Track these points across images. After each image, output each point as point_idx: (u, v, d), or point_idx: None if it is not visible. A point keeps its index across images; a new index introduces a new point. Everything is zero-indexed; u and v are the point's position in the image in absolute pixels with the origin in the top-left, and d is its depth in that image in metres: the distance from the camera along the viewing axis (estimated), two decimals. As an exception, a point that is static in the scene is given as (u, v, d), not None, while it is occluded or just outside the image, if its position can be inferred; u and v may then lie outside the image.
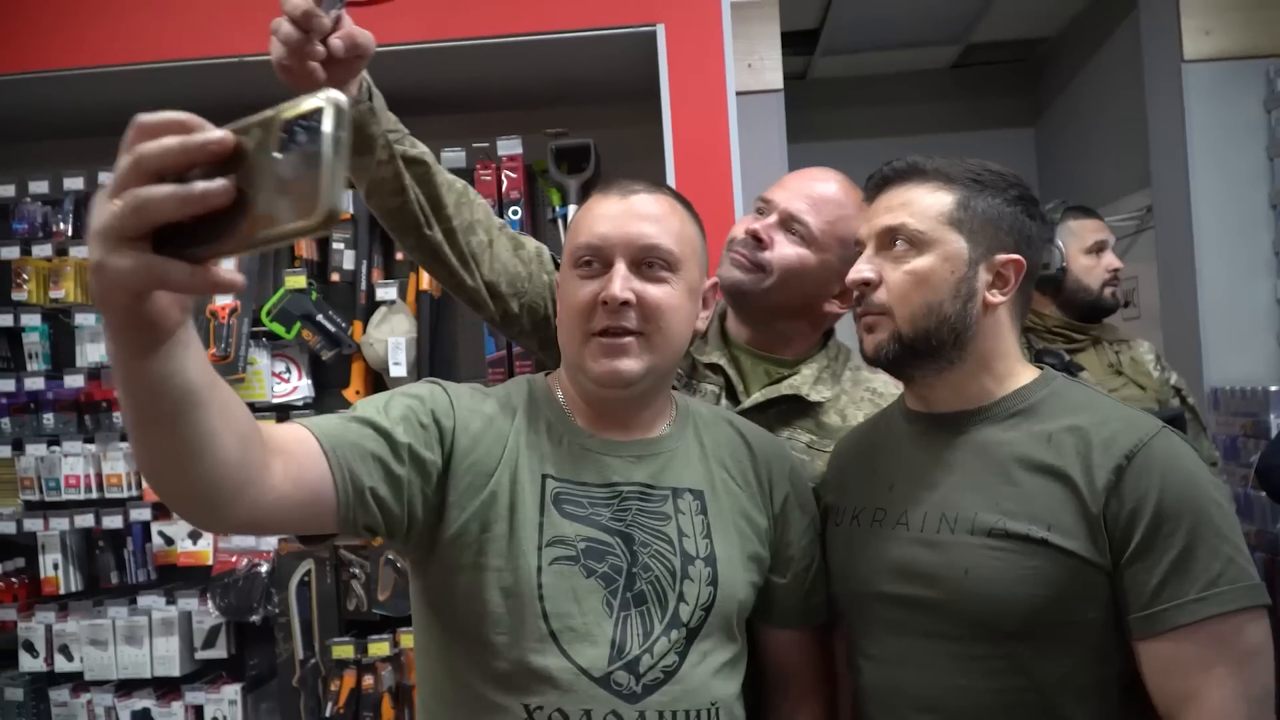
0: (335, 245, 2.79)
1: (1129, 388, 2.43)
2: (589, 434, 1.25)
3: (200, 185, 0.60)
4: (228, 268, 0.64)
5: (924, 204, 1.22)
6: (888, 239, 1.24)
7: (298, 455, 1.00)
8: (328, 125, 0.58)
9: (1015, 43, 4.95)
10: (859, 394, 1.54)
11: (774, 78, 3.21)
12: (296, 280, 2.73)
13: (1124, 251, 3.87)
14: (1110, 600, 1.14)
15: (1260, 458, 2.58)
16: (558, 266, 1.45)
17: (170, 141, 0.61)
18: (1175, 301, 3.43)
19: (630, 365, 1.19)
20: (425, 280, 2.78)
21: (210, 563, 2.77)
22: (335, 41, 1.14)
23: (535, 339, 1.50)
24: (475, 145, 2.78)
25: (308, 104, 0.59)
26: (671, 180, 2.50)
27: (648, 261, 1.20)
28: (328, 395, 2.86)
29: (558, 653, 1.13)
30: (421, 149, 1.36)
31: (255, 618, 2.72)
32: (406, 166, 1.33)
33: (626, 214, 1.22)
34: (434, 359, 2.82)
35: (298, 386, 2.82)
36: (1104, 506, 1.12)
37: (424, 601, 1.22)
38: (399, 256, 2.83)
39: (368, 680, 2.67)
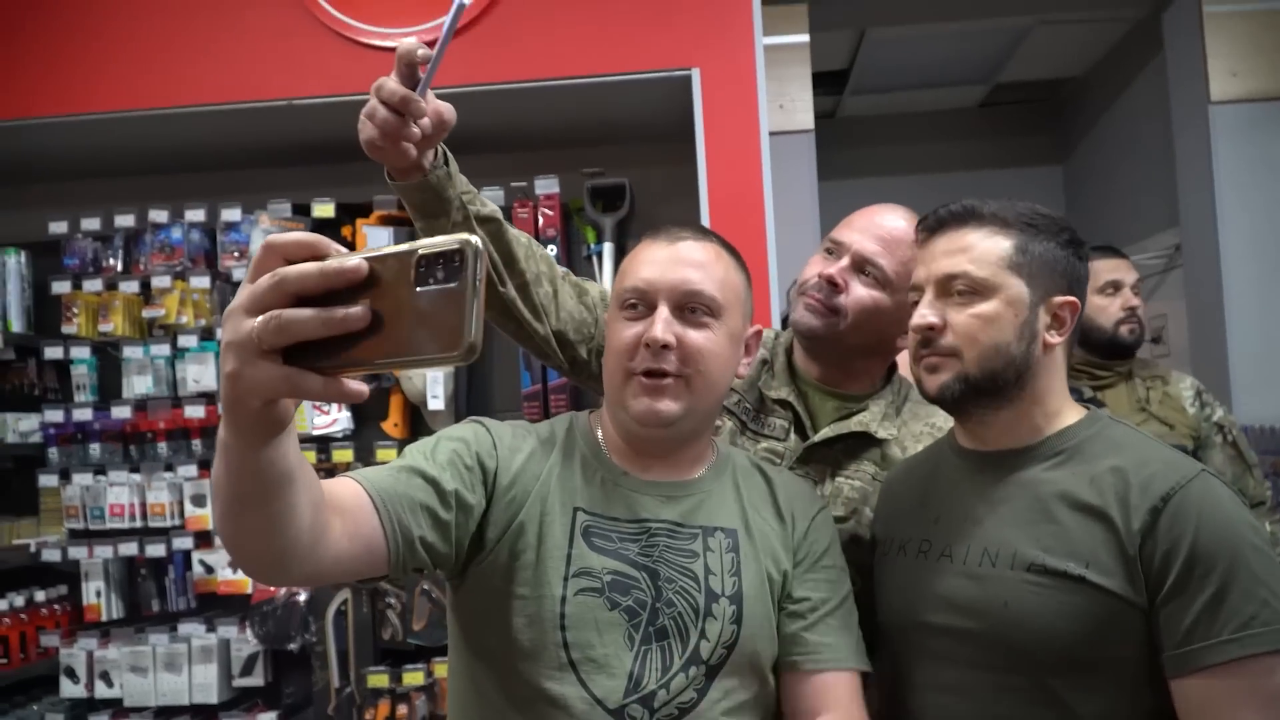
0: None
1: (1151, 424, 2.45)
2: (623, 471, 1.28)
3: (341, 311, 0.66)
4: (355, 384, 0.71)
5: (983, 249, 1.26)
6: (948, 284, 1.26)
7: (353, 511, 1.06)
8: (470, 269, 0.64)
9: (1042, 82, 5.02)
10: (918, 428, 1.56)
11: (805, 118, 3.29)
12: (338, 315, 2.80)
13: (1152, 290, 3.90)
14: (1146, 638, 1.16)
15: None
16: None
17: (311, 269, 0.67)
18: (1204, 339, 3.47)
19: (669, 406, 1.23)
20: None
21: (250, 591, 2.85)
22: (426, 122, 1.18)
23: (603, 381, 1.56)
24: (513, 184, 2.87)
25: (445, 245, 0.65)
26: (705, 218, 2.59)
27: (690, 306, 1.24)
28: (366, 427, 2.94)
29: (575, 682, 1.16)
30: (492, 207, 1.38)
31: (293, 646, 2.78)
32: (479, 225, 1.35)
33: (672, 259, 1.25)
34: (471, 393, 2.91)
35: (337, 419, 2.90)
36: (1140, 547, 1.15)
37: (456, 624, 1.26)
38: None
39: (402, 709, 2.73)
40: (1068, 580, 1.17)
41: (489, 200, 1.39)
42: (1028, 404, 1.27)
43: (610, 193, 2.93)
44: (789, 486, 1.37)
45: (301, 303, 0.67)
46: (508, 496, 1.22)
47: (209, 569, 2.90)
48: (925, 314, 1.27)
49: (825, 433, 1.53)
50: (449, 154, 1.31)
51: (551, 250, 2.86)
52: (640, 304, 1.25)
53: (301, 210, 2.92)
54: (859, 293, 1.52)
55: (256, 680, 2.87)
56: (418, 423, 2.92)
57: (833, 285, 1.52)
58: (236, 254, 2.97)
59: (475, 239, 0.64)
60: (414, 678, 2.72)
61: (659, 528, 1.24)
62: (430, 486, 1.15)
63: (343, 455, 2.82)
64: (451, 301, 0.64)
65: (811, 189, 3.28)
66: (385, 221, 2.89)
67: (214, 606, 2.97)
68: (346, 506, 1.05)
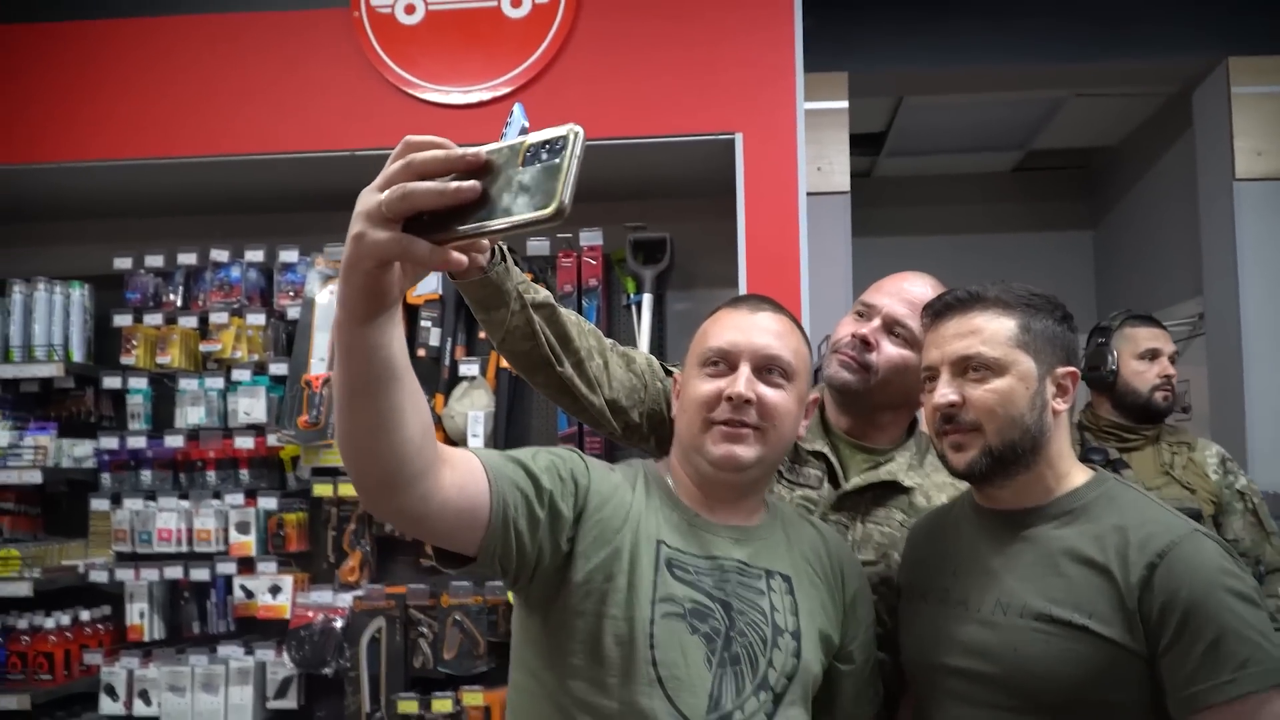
0: (423, 323, 3.04)
1: (1172, 488, 2.58)
2: (695, 513, 1.41)
3: (456, 183, 0.78)
4: (456, 254, 0.81)
5: (992, 330, 1.39)
6: (963, 365, 1.40)
7: (463, 469, 1.15)
8: (571, 146, 0.76)
9: (1076, 150, 5.19)
10: (941, 479, 1.68)
11: (842, 180, 3.47)
12: (386, 354, 2.97)
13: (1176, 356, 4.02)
14: (1145, 682, 1.29)
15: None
16: (667, 372, 1.66)
17: (437, 154, 0.80)
18: (1224, 406, 3.59)
19: (746, 452, 1.37)
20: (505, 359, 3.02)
21: (288, 616, 2.99)
22: None
23: (653, 440, 1.64)
24: (560, 235, 3.05)
25: (553, 133, 0.77)
26: (743, 273, 2.75)
27: (768, 368, 1.39)
28: None
29: (663, 697, 1.26)
30: (545, 294, 1.49)
31: (328, 670, 2.92)
32: (535, 311, 1.45)
33: (754, 326, 1.41)
34: (509, 432, 3.05)
35: None
36: (1139, 600, 1.28)
37: (537, 642, 1.34)
38: (481, 335, 3.07)
39: None
40: (1072, 629, 1.30)
41: (542, 288, 1.50)
42: (1041, 468, 1.41)
43: (651, 246, 3.09)
44: (840, 548, 1.52)
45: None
46: (597, 517, 1.32)
47: (249, 594, 3.05)
48: (946, 393, 1.40)
49: (856, 481, 1.67)
50: (506, 251, 1.43)
51: (592, 299, 3.04)
52: (723, 362, 1.40)
53: None
54: (889, 351, 1.67)
55: (290, 703, 2.99)
56: None
57: (866, 344, 1.67)
58: (291, 293, 3.15)
59: (579, 127, 0.77)
60: (443, 705, 2.85)
61: (730, 565, 1.37)
62: (530, 481, 1.25)
63: None
64: (550, 173, 0.75)
65: (845, 248, 3.44)
66: None
67: (253, 631, 3.11)
68: (456, 463, 1.13)
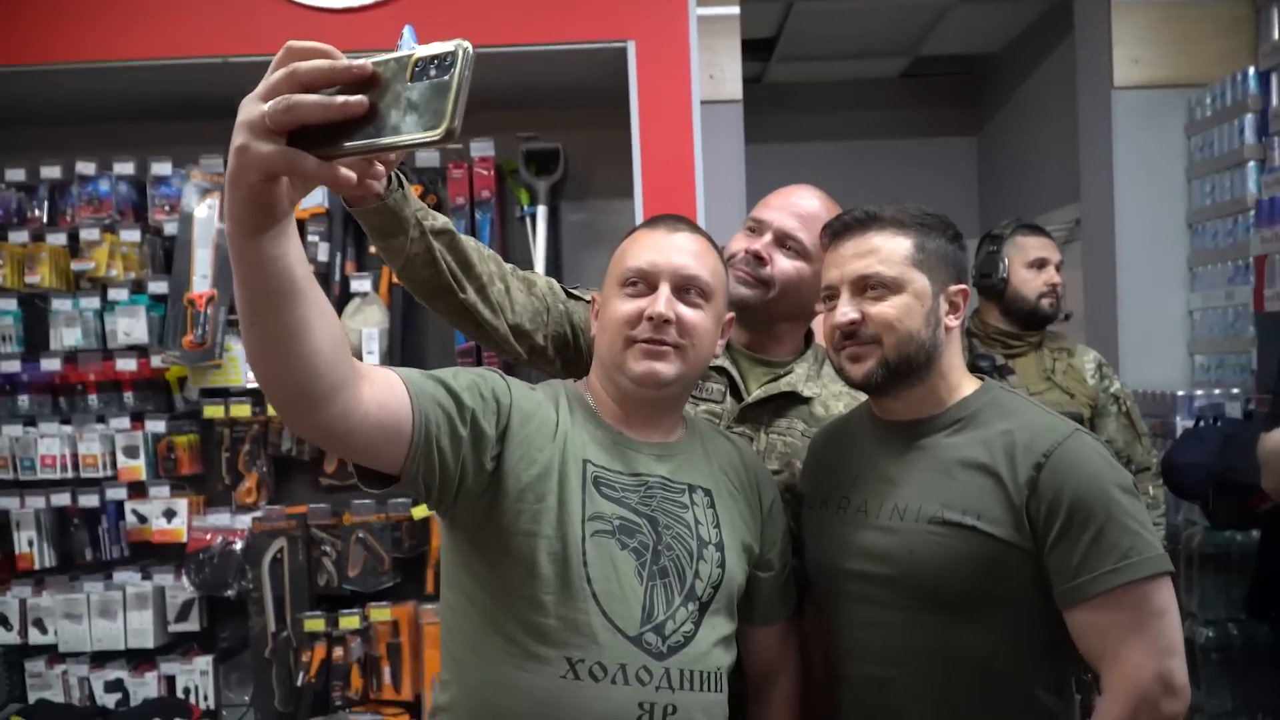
0: (310, 239, 2.95)
1: (1054, 393, 2.72)
2: (616, 430, 1.43)
3: (341, 97, 0.76)
4: (345, 170, 0.79)
5: (889, 250, 1.44)
6: (862, 284, 1.44)
7: (382, 385, 1.14)
8: (459, 65, 0.74)
9: (961, 57, 5.29)
10: (837, 388, 1.74)
11: (734, 88, 3.47)
12: (274, 270, 2.89)
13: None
14: (1035, 577, 1.36)
15: (1165, 456, 2.91)
16: (568, 294, 1.69)
17: (322, 64, 0.78)
18: (1098, 309, 3.76)
19: (666, 369, 1.39)
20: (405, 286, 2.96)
21: (184, 540, 2.96)
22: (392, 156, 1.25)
23: (559, 362, 1.68)
24: (449, 147, 2.96)
25: (441, 48, 0.75)
26: (638, 182, 2.74)
27: (687, 288, 1.41)
28: None
29: (599, 612, 1.30)
30: (444, 220, 1.49)
31: (230, 593, 2.90)
32: (434, 238, 1.45)
33: (672, 246, 1.43)
34: (405, 349, 3.02)
35: None
36: (1026, 499, 1.35)
37: (469, 563, 1.36)
38: (372, 250, 2.90)
39: (338, 652, 2.88)
40: (963, 529, 1.38)
41: (439, 214, 1.50)
42: (934, 380, 1.47)
43: (544, 156, 3.05)
44: (754, 460, 1.57)
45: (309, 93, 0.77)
46: (522, 434, 1.33)
47: (142, 519, 3.00)
48: (846, 311, 1.44)
49: (758, 394, 1.71)
50: (404, 178, 1.42)
51: (486, 211, 3.00)
52: (642, 282, 1.41)
53: None
54: (783, 264, 1.71)
55: (192, 626, 2.98)
56: None
57: (759, 259, 1.71)
58: (167, 208, 3.02)
59: (467, 43, 0.75)
60: (350, 622, 2.87)
61: (654, 481, 1.41)
62: (451, 399, 1.25)
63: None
64: (439, 92, 0.74)
65: (739, 157, 3.47)
66: None
67: (149, 555, 3.06)
68: (376, 378, 1.12)
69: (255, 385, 2.96)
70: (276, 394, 1.01)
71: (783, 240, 1.72)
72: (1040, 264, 2.80)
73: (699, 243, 1.46)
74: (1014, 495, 1.36)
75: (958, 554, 1.37)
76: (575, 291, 1.71)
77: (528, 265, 2.98)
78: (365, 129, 0.76)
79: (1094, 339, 3.73)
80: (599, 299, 1.50)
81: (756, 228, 1.75)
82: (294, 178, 0.82)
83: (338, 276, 2.98)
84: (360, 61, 0.77)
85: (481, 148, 3.01)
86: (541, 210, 3.03)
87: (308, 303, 0.93)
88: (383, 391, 1.13)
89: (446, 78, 0.74)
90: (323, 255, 2.98)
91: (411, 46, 1.23)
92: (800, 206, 1.73)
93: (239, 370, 2.99)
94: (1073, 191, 4.01)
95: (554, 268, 3.10)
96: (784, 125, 5.24)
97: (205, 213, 2.98)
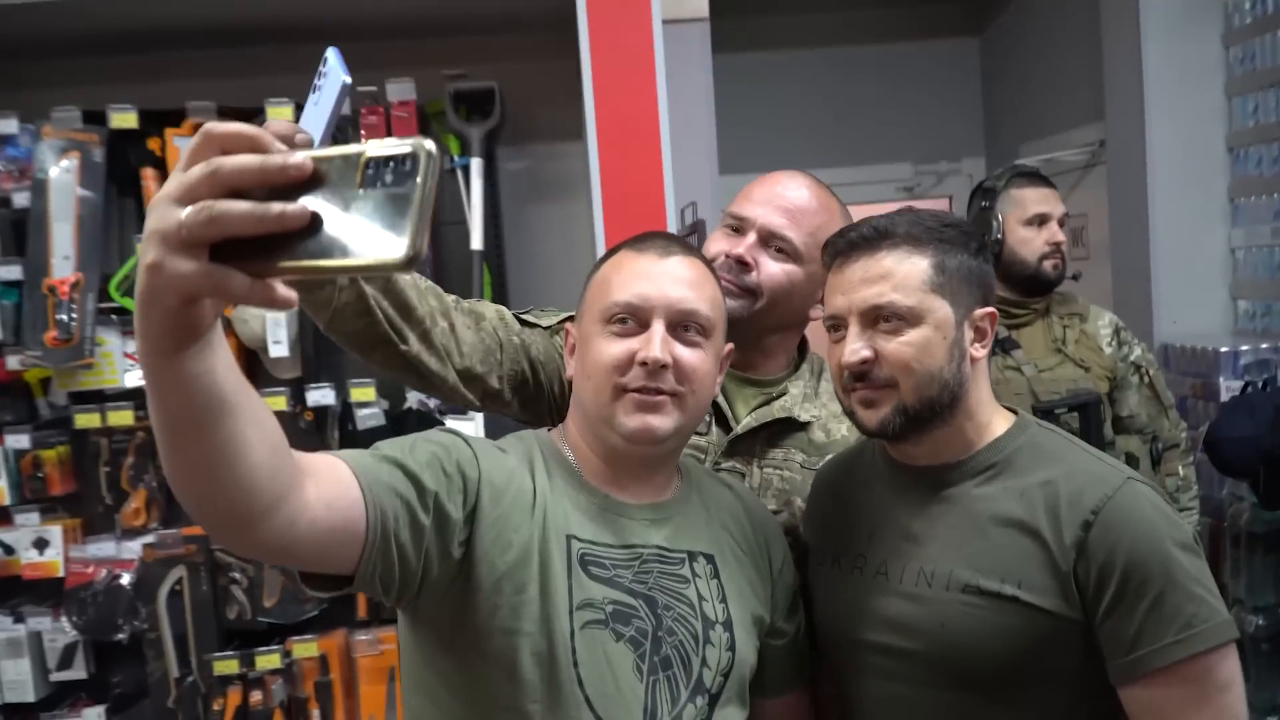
0: None
1: (1066, 366, 2.62)
2: (602, 494, 1.37)
3: (278, 207, 0.70)
4: (283, 289, 0.74)
5: (904, 274, 1.37)
6: (874, 315, 1.37)
7: (329, 480, 1.08)
8: (422, 174, 0.68)
9: (958, -59, 5.03)
10: (839, 407, 1.61)
11: (700, 3, 3.22)
12: (151, 246, 2.68)
13: (1073, 186, 4.06)
14: (1084, 650, 1.32)
15: (1208, 429, 2.81)
16: (521, 323, 1.60)
17: (250, 161, 0.71)
18: (1127, 246, 3.63)
19: (663, 423, 1.33)
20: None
21: (62, 574, 2.79)
22: None
23: (516, 403, 1.60)
24: (361, 89, 2.78)
25: (397, 148, 0.69)
26: (591, 120, 2.60)
27: (684, 324, 1.35)
28: None
29: (594, 718, 1.25)
30: None
31: (120, 636, 2.76)
32: (367, 282, 1.39)
33: (665, 275, 1.37)
34: (319, 335, 2.80)
35: None
36: (1074, 563, 1.30)
37: (436, 664, 1.30)
38: None
39: (255, 696, 2.76)
40: (1001, 600, 1.33)
41: None
42: (960, 420, 1.41)
43: (477, 98, 2.86)
44: (759, 511, 1.52)
45: (236, 197, 0.71)
46: (495, 514, 1.27)
47: (8, 550, 2.82)
48: (857, 349, 1.37)
49: (748, 422, 1.64)
50: None
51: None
52: (631, 319, 1.35)
53: (95, 119, 2.75)
54: (771, 269, 1.63)
55: (78, 673, 2.85)
56: (256, 372, 2.85)
57: (743, 264, 1.62)
58: (16, 173, 2.83)
59: (430, 143, 0.68)
60: (269, 660, 2.75)
61: (650, 553, 1.35)
62: (410, 484, 1.19)
63: None
64: (397, 206, 0.68)
65: (707, 86, 3.24)
66: None
67: (19, 594, 2.91)
68: (321, 473, 1.07)
69: (137, 385, 2.79)
70: (205, 517, 0.96)
71: (768, 240, 1.64)
72: (1040, 220, 2.67)
73: (695, 268, 1.40)
74: (1059, 559, 1.32)
75: (996, 628, 1.33)
76: (528, 317, 1.64)
77: (461, 227, 2.86)
78: (306, 243, 0.71)
79: (1123, 281, 3.61)
80: (574, 333, 1.44)
81: (738, 226, 1.67)
82: (219, 298, 0.77)
83: (228, 248, 2.79)
84: (298, 158, 0.71)
85: (400, 89, 2.81)
86: (476, 163, 2.85)
87: (241, 416, 0.88)
88: (330, 488, 1.08)
89: (405, 189, 0.68)
90: None
91: (341, 76, 1.09)
92: (787, 199, 1.66)
93: (115, 368, 2.83)
94: (1095, 109, 3.85)
95: (493, 228, 2.96)
96: (757, 30, 4.96)
97: (63, 177, 2.76)
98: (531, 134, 3.07)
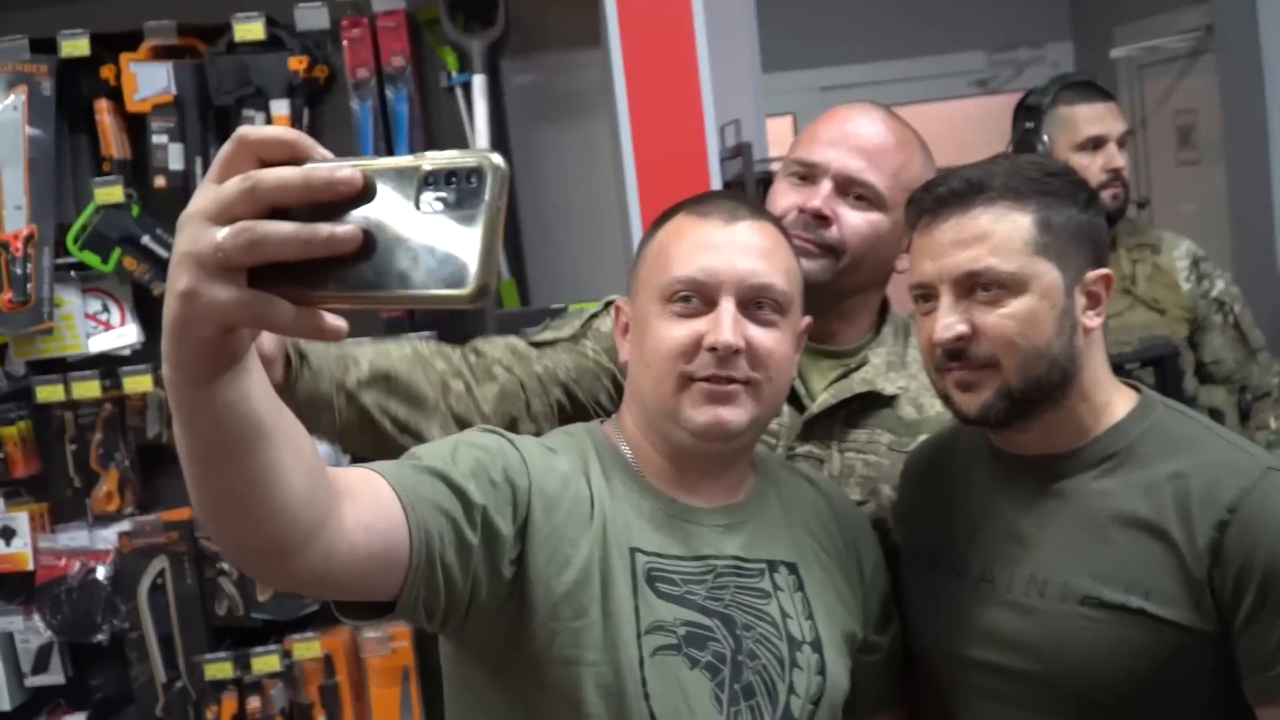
0: (155, 139, 2.67)
1: (1137, 310, 2.51)
2: (670, 498, 1.37)
3: (328, 229, 0.69)
4: (332, 319, 0.74)
5: (1003, 234, 1.33)
6: (969, 283, 1.34)
7: (367, 499, 1.08)
8: (489, 192, 0.68)
9: None
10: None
11: None
12: (110, 192, 2.60)
13: (1179, 77, 3.92)
14: (1218, 666, 1.30)
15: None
16: (539, 346, 1.60)
17: (292, 176, 0.70)
18: (1242, 146, 3.52)
19: (737, 415, 1.31)
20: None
21: (31, 568, 2.74)
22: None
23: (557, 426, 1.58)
24: None
25: (460, 162, 0.69)
26: (613, 24, 2.49)
27: (758, 301, 1.33)
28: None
29: None
30: (368, 361, 1.42)
31: (100, 637, 2.72)
32: (366, 393, 1.40)
33: (733, 244, 1.34)
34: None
35: (122, 332, 2.75)
36: (1209, 569, 1.27)
37: (486, 697, 1.31)
38: None
39: (253, 703, 2.72)
40: (1126, 613, 1.31)
41: (361, 354, 1.42)
42: (1073, 402, 1.38)
43: (477, 2, 2.73)
44: (847, 509, 1.52)
45: (277, 214, 0.70)
46: (549, 528, 1.27)
47: (-29, 543, 2.79)
48: (951, 323, 1.34)
49: (824, 399, 1.63)
50: (304, 350, 1.36)
51: (401, 86, 2.71)
52: (696, 297, 1.33)
53: (44, 47, 2.65)
54: (853, 221, 1.59)
55: (56, 677, 2.81)
56: None
57: (820, 219, 1.58)
58: None
59: (498, 157, 0.69)
60: (267, 663, 2.69)
61: (724, 566, 1.35)
62: (456, 498, 1.19)
63: (137, 382, 2.66)
64: (461, 229, 0.68)
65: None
66: (161, 54, 2.65)
67: None
68: (358, 492, 1.07)
69: (102, 350, 2.77)
70: (238, 552, 0.98)
71: (846, 187, 1.61)
72: (1096, 143, 2.53)
73: (768, 234, 1.38)
74: (1192, 565, 1.29)
75: (1121, 646, 1.31)
76: (545, 335, 1.64)
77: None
78: (357, 268, 0.71)
79: (1238, 188, 3.51)
80: (626, 311, 1.43)
81: (808, 174, 1.63)
82: (260, 328, 0.77)
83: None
84: (347, 171, 0.70)
85: (386, -2, 2.69)
86: (479, 81, 2.70)
87: (277, 442, 0.87)
88: (370, 510, 1.08)
89: (470, 209, 0.69)
90: (175, 162, 2.71)
91: None
92: (861, 137, 1.62)
93: (77, 333, 2.75)
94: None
95: (500, 153, 2.77)
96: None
97: (10, 116, 2.66)
98: (541, 42, 2.95)
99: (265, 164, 0.71)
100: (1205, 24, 3.72)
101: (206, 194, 0.72)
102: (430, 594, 1.16)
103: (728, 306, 1.31)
